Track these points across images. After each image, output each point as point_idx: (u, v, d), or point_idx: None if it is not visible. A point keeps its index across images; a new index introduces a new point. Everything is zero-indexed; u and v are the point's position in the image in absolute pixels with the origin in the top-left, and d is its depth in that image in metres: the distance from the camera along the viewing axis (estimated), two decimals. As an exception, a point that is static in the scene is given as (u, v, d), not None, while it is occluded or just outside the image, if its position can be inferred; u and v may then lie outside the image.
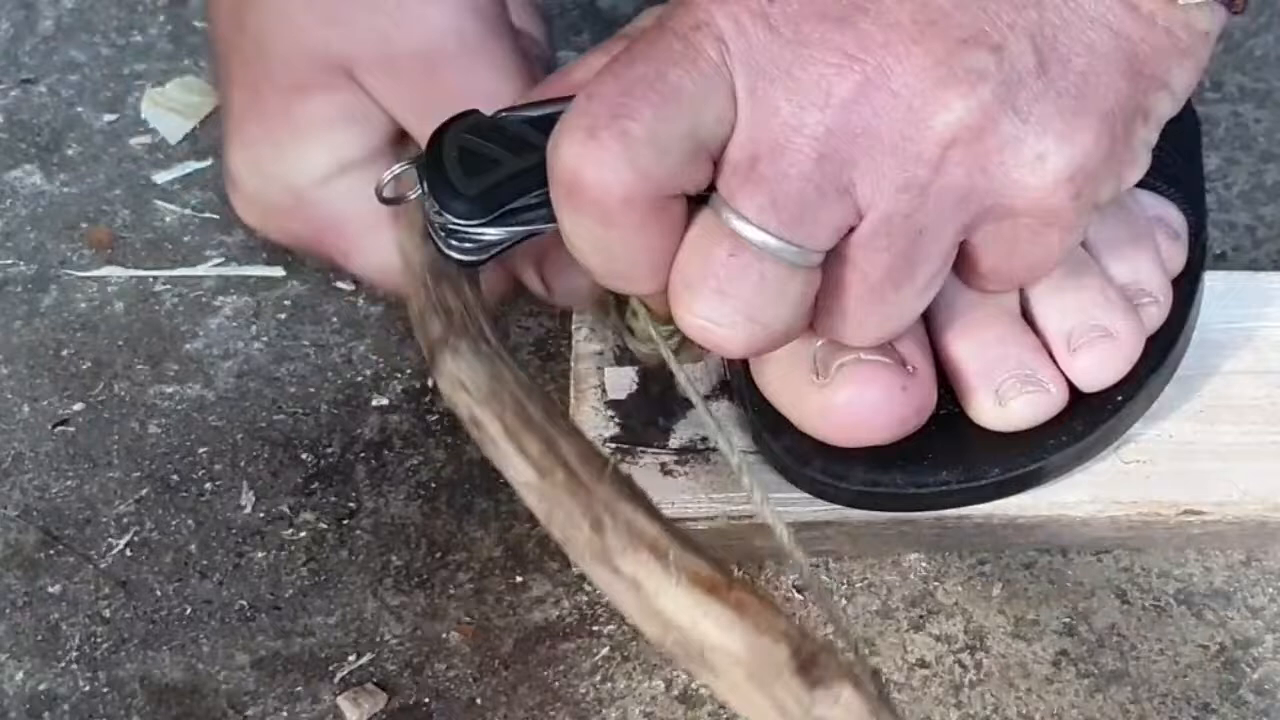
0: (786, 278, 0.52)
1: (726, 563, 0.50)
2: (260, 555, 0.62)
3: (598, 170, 0.51)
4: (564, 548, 0.52)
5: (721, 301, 0.52)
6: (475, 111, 0.57)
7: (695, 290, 0.52)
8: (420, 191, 0.56)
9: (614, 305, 0.63)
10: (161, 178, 0.74)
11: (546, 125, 0.53)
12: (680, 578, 0.49)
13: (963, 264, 0.55)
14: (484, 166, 0.55)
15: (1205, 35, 0.53)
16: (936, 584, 0.61)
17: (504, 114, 0.56)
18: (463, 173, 0.55)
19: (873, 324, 0.54)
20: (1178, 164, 0.64)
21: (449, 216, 0.55)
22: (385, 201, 0.58)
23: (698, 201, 0.53)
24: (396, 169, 0.58)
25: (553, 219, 0.54)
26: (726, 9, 0.51)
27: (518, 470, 0.52)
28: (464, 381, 0.54)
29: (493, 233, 0.55)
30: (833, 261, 0.53)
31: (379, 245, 0.62)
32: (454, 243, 0.55)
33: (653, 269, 0.53)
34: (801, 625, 0.48)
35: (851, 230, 0.52)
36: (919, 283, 0.53)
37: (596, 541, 0.50)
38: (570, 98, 0.52)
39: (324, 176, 0.62)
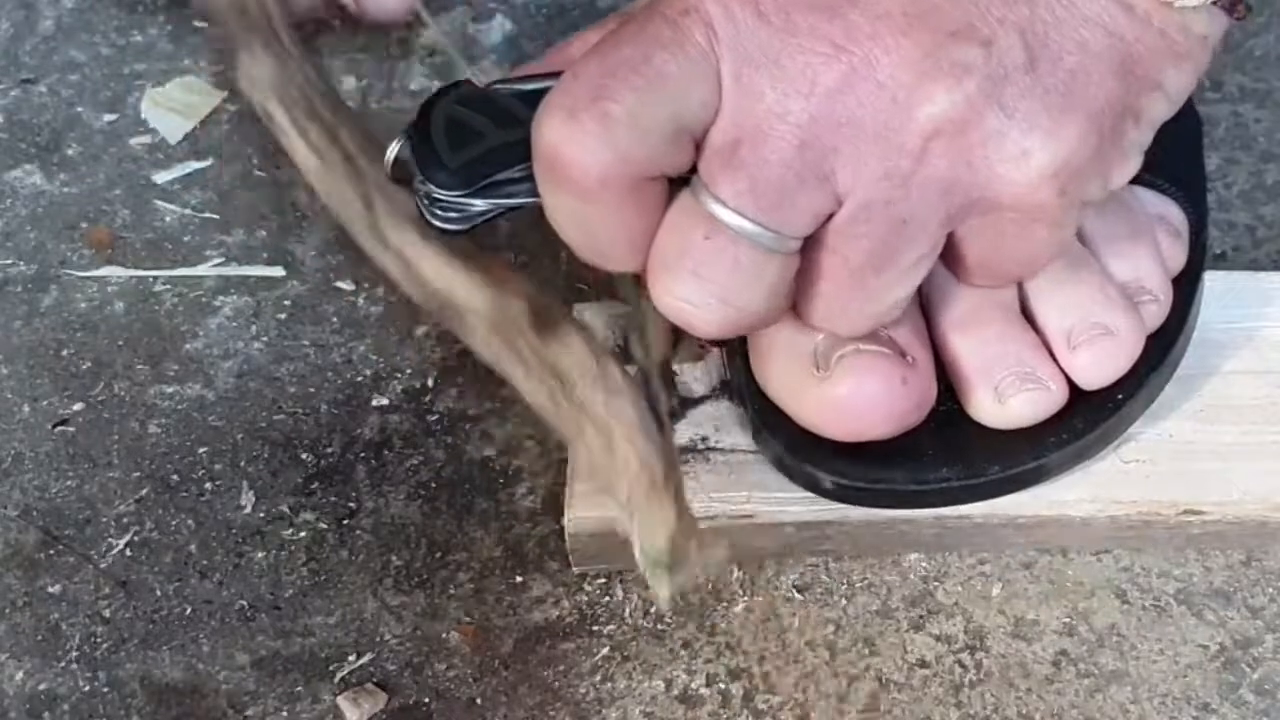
0: (763, 262, 0.52)
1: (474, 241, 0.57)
2: (260, 555, 0.62)
3: (577, 150, 0.51)
4: (343, 225, 0.59)
5: (697, 283, 0.53)
6: (466, 82, 0.57)
7: (672, 271, 0.53)
8: (408, 158, 0.56)
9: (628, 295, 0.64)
10: (161, 178, 0.74)
11: (534, 100, 0.53)
12: (435, 243, 0.56)
13: (951, 257, 0.56)
14: (470, 138, 0.55)
15: (1203, 39, 0.53)
16: (936, 584, 0.61)
17: (494, 86, 0.57)
18: (448, 143, 0.55)
19: (855, 310, 0.54)
20: (1179, 163, 0.64)
21: (432, 186, 0.55)
22: (393, 179, 0.59)
23: (680, 183, 0.53)
24: (395, 147, 0.58)
25: (535, 193, 0.54)
26: None
27: (302, 156, 0.59)
28: (257, 77, 0.60)
29: (476, 203, 0.55)
30: (814, 247, 0.53)
31: None
32: (438, 211, 0.56)
33: (631, 248, 0.54)
34: (541, 288, 0.57)
35: (832, 217, 0.52)
36: (901, 269, 0.54)
37: (369, 217, 0.57)
38: (560, 74, 0.53)
39: None
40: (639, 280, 0.56)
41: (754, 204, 0.52)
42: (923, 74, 0.51)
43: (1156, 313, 0.61)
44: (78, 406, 0.67)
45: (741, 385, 0.61)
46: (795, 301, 0.55)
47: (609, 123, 0.51)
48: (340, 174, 0.59)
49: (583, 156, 0.52)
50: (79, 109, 0.76)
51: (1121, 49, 0.52)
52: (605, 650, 0.60)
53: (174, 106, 0.76)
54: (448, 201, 0.55)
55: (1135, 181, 0.56)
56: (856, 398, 0.57)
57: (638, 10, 0.53)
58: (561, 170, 0.52)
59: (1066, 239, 0.55)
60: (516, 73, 0.58)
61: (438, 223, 0.56)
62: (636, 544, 0.54)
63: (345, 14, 0.72)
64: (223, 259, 0.71)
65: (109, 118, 0.75)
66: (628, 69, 0.51)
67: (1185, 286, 0.62)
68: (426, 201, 0.56)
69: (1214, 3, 0.52)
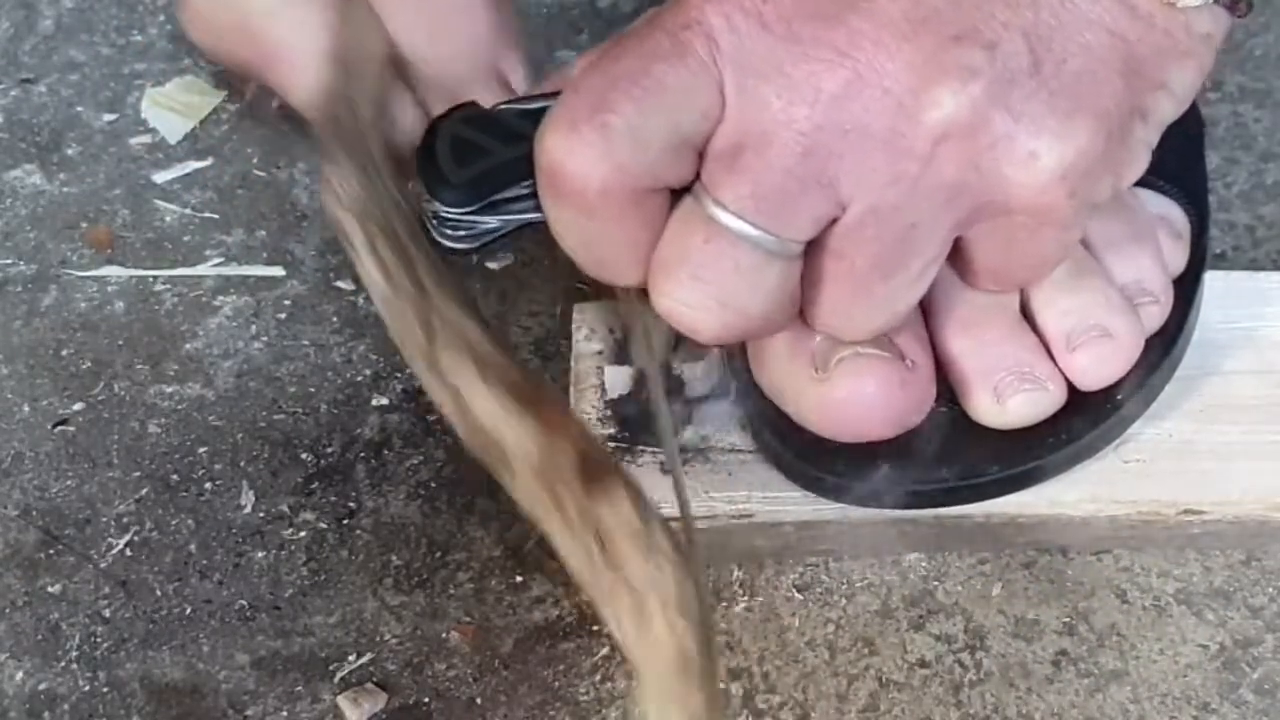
0: (763, 265, 0.52)
1: (539, 377, 0.54)
2: (260, 555, 0.62)
3: (577, 162, 0.52)
4: (400, 350, 0.56)
5: (695, 286, 0.53)
6: (471, 103, 0.57)
7: (671, 274, 0.53)
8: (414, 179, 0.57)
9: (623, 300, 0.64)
10: (161, 178, 0.74)
11: (538, 117, 0.54)
12: (492, 382, 0.53)
13: (960, 262, 0.56)
14: (475, 156, 0.56)
15: (1207, 37, 0.53)
16: (936, 584, 0.61)
17: (499, 107, 0.57)
18: (453, 161, 0.56)
19: (861, 315, 0.54)
20: (1181, 163, 0.64)
21: (439, 204, 0.56)
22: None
23: (683, 194, 0.53)
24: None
25: (541, 209, 0.54)
26: (718, 7, 0.51)
27: (370, 276, 0.56)
28: (339, 193, 0.57)
29: (483, 221, 0.56)
30: (820, 252, 0.53)
31: (318, 79, 0.63)
32: (446, 230, 0.56)
33: (634, 261, 0.54)
34: (593, 438, 0.53)
35: (836, 221, 0.52)
36: (910, 275, 0.53)
37: (428, 349, 0.54)
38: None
39: (271, 5, 0.63)
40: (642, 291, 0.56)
41: (755, 208, 0.52)
42: (927, 78, 0.50)
43: (1157, 314, 0.61)
44: (78, 406, 0.67)
45: (741, 385, 0.61)
46: (802, 306, 0.55)
47: (609, 134, 0.51)
48: (406, 301, 0.55)
49: (583, 168, 0.52)
50: (79, 109, 0.76)
51: (1125, 49, 0.52)
52: (605, 650, 0.60)
53: (174, 106, 0.76)
54: (455, 220, 0.56)
55: (1137, 182, 0.56)
56: (855, 400, 0.57)
57: (640, 25, 0.53)
58: (563, 183, 0.52)
59: (1075, 241, 0.55)
60: (518, 95, 0.59)
61: (446, 242, 0.56)
62: None
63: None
64: (223, 259, 0.71)
65: (109, 118, 0.75)
66: (627, 81, 0.51)
67: (1186, 287, 0.62)
68: (435, 221, 0.56)
69: (1216, 1, 0.52)
